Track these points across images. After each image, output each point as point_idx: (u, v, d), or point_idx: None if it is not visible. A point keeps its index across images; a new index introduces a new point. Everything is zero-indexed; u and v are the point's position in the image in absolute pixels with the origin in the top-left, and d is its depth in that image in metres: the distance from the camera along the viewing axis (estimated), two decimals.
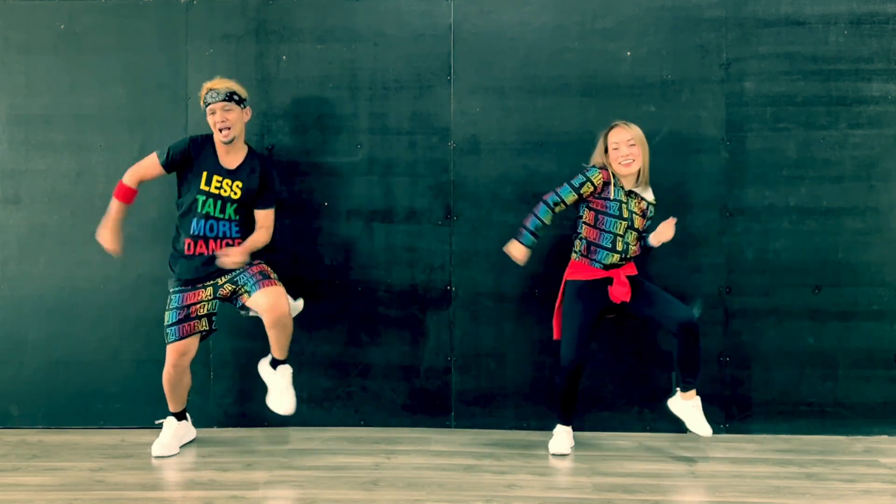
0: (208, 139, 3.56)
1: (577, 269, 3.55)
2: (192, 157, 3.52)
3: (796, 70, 3.85)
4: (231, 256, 3.42)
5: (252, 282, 3.46)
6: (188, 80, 3.92)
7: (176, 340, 3.49)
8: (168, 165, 3.52)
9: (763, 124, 3.86)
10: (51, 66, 3.95)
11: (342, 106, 3.93)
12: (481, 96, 3.91)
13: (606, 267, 3.49)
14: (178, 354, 3.50)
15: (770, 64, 3.85)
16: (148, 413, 3.88)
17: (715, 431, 3.84)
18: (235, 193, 3.51)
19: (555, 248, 3.88)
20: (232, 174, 3.52)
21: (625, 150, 3.46)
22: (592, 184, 3.45)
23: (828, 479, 3.27)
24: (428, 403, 3.96)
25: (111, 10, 3.95)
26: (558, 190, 3.48)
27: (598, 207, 3.49)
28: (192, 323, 3.51)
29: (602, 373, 3.89)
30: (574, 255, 3.58)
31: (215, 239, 3.52)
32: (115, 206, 3.53)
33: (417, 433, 3.88)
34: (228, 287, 3.51)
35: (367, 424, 3.97)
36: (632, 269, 3.55)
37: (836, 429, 3.87)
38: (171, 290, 3.55)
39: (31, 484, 3.19)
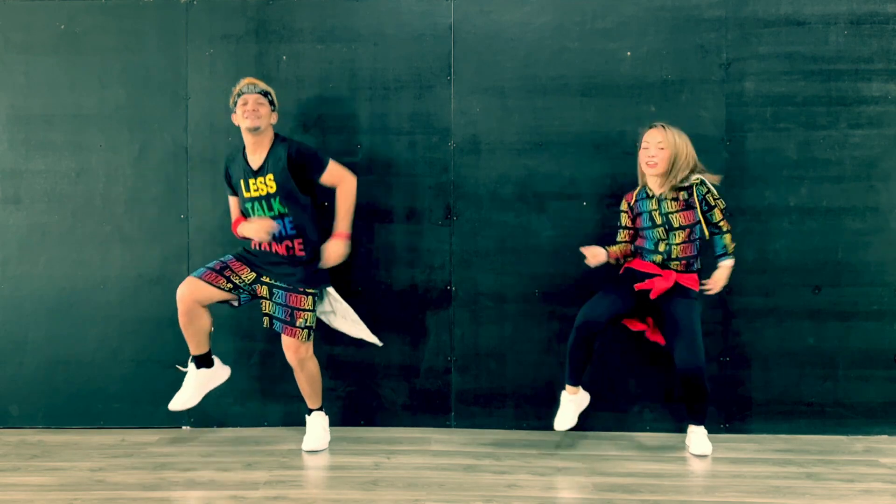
0: (238, 151, 3.60)
1: (636, 262, 3.63)
2: (229, 174, 3.60)
3: (796, 70, 3.85)
4: (331, 257, 3.50)
5: (280, 314, 3.52)
6: (188, 80, 3.92)
7: (195, 276, 3.49)
8: (231, 189, 3.65)
9: (763, 124, 3.86)
10: (51, 66, 3.95)
11: (342, 106, 3.93)
12: (481, 96, 3.91)
13: (657, 264, 3.54)
14: (187, 289, 3.46)
15: (770, 64, 3.85)
16: (148, 413, 3.89)
17: (715, 431, 3.85)
18: (271, 187, 3.49)
19: (555, 248, 3.88)
20: (259, 172, 3.51)
21: (653, 150, 3.52)
22: (624, 212, 3.69)
23: (828, 479, 3.27)
24: (428, 403, 3.96)
25: (111, 10, 3.95)
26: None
27: (638, 224, 3.63)
28: (220, 276, 3.50)
29: (602, 372, 3.89)
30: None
31: (273, 240, 3.52)
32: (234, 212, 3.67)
33: (417, 433, 3.88)
34: (264, 290, 3.55)
35: (367, 424, 3.97)
36: (689, 281, 3.52)
37: (836, 429, 3.87)
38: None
39: (31, 484, 3.19)
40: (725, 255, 3.54)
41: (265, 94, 3.52)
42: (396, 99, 3.92)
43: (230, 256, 3.58)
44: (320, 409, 3.68)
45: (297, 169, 3.49)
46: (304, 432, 3.72)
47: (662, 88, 3.86)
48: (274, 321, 3.55)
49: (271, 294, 3.54)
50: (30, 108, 3.96)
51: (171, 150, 3.93)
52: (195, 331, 3.53)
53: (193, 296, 3.47)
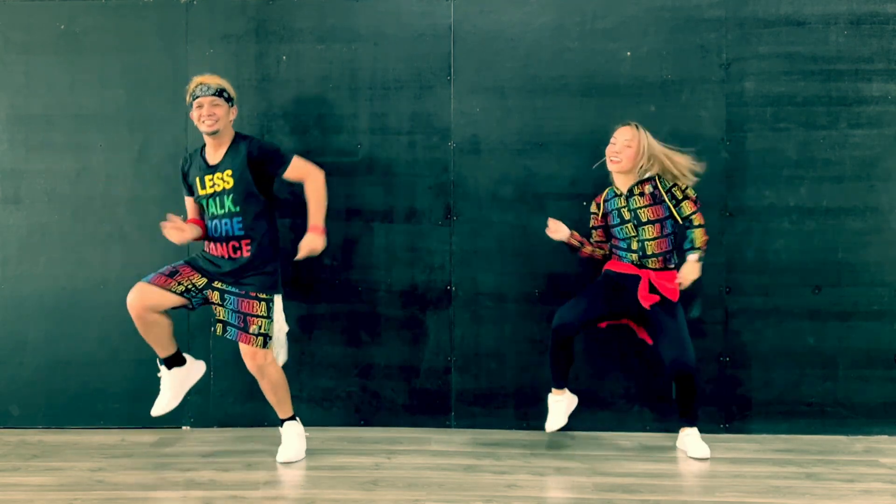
0: (196, 151, 3.54)
1: (613, 263, 3.63)
2: (186, 173, 3.52)
3: (796, 70, 3.85)
4: (304, 249, 3.39)
5: (234, 320, 3.41)
6: (188, 80, 3.90)
7: (143, 282, 3.37)
8: (188, 191, 3.55)
9: (763, 124, 3.86)
10: (51, 66, 3.95)
11: (342, 106, 3.93)
12: (481, 96, 3.91)
13: (634, 263, 3.54)
14: (136, 295, 3.34)
15: (770, 64, 3.85)
16: (148, 413, 3.88)
17: (715, 431, 3.85)
18: (228, 183, 3.41)
19: (555, 248, 3.88)
20: (216, 167, 3.45)
21: (619, 146, 3.54)
22: (594, 213, 3.72)
23: (828, 479, 3.27)
24: (428, 403, 3.96)
25: (111, 10, 3.95)
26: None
27: (608, 222, 3.65)
28: (169, 279, 3.38)
29: (602, 373, 3.89)
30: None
31: (218, 240, 3.44)
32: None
33: (417, 433, 3.88)
34: (216, 297, 3.45)
35: (367, 424, 3.97)
36: (669, 279, 3.51)
37: (836, 429, 3.86)
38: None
39: (31, 484, 3.19)
40: (693, 249, 3.49)
41: (220, 92, 3.44)
42: (396, 99, 3.92)
43: (182, 262, 3.47)
44: (293, 417, 3.55)
45: (257, 165, 3.41)
46: (304, 432, 3.70)
47: (662, 88, 3.86)
48: (228, 328, 3.42)
49: (223, 300, 3.43)
50: (30, 108, 3.96)
51: (171, 150, 3.93)
52: (155, 336, 3.40)
53: (143, 302, 3.32)
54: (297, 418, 3.57)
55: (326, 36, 3.93)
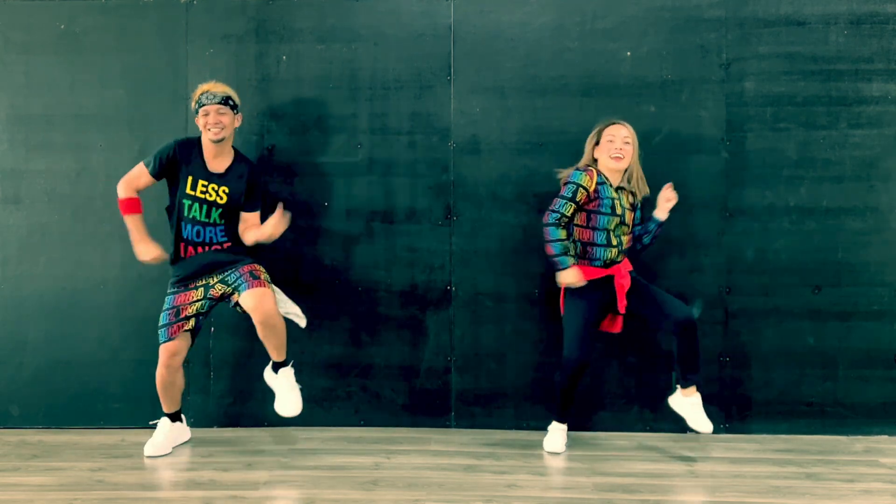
0: (195, 142, 3.54)
1: (582, 271, 3.50)
2: (178, 160, 3.50)
3: (796, 70, 3.86)
4: (274, 229, 3.45)
5: (241, 281, 3.45)
6: (188, 80, 3.92)
7: (166, 341, 3.48)
8: (157, 173, 3.52)
9: (763, 124, 3.86)
10: (51, 66, 3.95)
11: (342, 106, 3.93)
12: (481, 96, 3.91)
13: (606, 264, 3.49)
14: (168, 354, 3.48)
15: (770, 64, 3.85)
16: (148, 413, 3.88)
17: (715, 431, 3.84)
18: (221, 198, 3.50)
19: None
20: (218, 179, 3.51)
21: (619, 143, 3.50)
22: (585, 189, 3.46)
23: (828, 479, 3.27)
24: (428, 403, 3.96)
25: (111, 10, 3.95)
26: (554, 207, 3.47)
27: (592, 207, 3.50)
28: (180, 323, 3.49)
29: (602, 373, 3.89)
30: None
31: (202, 245, 3.51)
32: (129, 221, 3.52)
33: (417, 433, 3.88)
34: (220, 287, 3.50)
35: (367, 424, 3.97)
36: (628, 266, 3.57)
37: (836, 429, 3.87)
38: (167, 291, 3.55)
39: (31, 484, 3.19)
40: (651, 219, 3.59)
41: (226, 100, 3.48)
42: (396, 99, 3.92)
43: (171, 293, 3.52)
44: (287, 363, 3.55)
45: (248, 188, 3.55)
46: (303, 432, 3.72)
47: (662, 88, 3.86)
48: (238, 289, 3.44)
49: (226, 281, 3.49)
50: (30, 108, 3.96)
51: None
52: (173, 391, 3.58)
53: (177, 359, 3.50)
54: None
55: (326, 36, 3.93)
